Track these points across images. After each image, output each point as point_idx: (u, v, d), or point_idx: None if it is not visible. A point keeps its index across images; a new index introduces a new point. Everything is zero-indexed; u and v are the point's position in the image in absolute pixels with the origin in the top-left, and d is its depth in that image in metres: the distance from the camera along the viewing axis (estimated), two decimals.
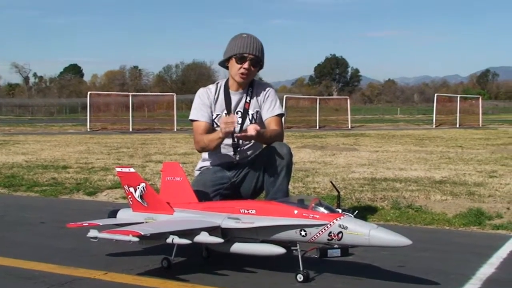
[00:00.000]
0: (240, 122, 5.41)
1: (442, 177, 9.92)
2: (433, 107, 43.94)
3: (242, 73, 5.30)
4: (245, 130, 4.79)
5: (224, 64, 5.46)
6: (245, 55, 5.26)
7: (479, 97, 50.19)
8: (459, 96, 47.06)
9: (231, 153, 5.46)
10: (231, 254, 4.29)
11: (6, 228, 6.22)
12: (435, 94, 47.12)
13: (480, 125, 41.36)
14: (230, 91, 5.45)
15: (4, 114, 78.23)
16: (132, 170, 4.84)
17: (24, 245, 5.42)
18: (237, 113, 5.43)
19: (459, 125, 40.82)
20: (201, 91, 5.54)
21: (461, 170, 11.17)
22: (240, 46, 5.28)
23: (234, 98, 5.44)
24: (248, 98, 5.45)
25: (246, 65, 5.27)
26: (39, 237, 5.81)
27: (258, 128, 4.84)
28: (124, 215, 4.88)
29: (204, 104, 5.43)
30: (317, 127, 38.97)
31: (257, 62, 5.32)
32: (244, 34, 5.39)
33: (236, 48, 5.30)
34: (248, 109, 5.44)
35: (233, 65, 5.34)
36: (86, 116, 36.44)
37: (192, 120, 5.47)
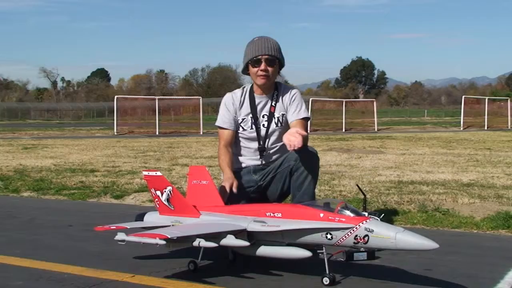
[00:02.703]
0: (266, 125, 5.45)
1: (470, 180, 9.83)
2: (460, 109, 43.54)
3: (260, 75, 5.34)
4: (293, 135, 4.80)
5: (246, 72, 5.50)
6: (259, 57, 5.31)
7: (507, 99, 49.55)
8: (487, 98, 46.56)
9: (257, 156, 5.49)
10: (257, 257, 4.30)
11: (35, 232, 6.31)
12: (463, 96, 46.68)
13: (509, 127, 40.87)
14: (255, 95, 5.49)
15: (32, 118, 79.22)
16: (159, 173, 4.88)
17: (53, 248, 5.49)
18: (263, 117, 5.47)
19: (487, 127, 40.38)
20: (226, 97, 5.59)
21: (489, 173, 11.05)
22: (253, 50, 5.34)
23: (260, 102, 5.47)
24: (274, 102, 5.47)
25: (262, 66, 5.31)
26: (68, 240, 5.88)
27: (303, 132, 4.87)
28: (151, 218, 4.92)
29: (228, 111, 5.49)
30: (343, 130, 38.83)
31: (273, 61, 5.35)
32: (256, 37, 5.44)
33: (250, 54, 5.37)
34: (274, 112, 5.46)
35: (251, 70, 5.39)
36: (113, 120, 36.71)
37: (218, 127, 5.54)
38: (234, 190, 5.00)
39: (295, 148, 4.77)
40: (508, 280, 4.29)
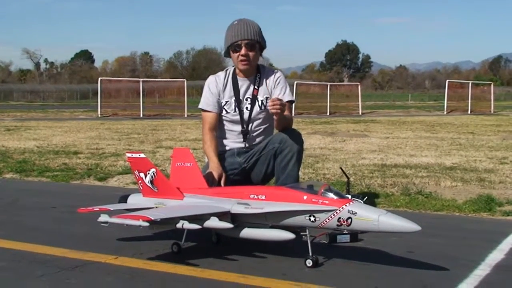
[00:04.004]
0: (249, 108, 5.44)
1: (453, 164, 9.90)
2: (444, 93, 43.68)
3: (241, 60, 5.32)
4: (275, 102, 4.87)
5: (228, 55, 5.48)
6: (239, 42, 5.28)
7: (491, 83, 49.82)
8: (470, 82, 46.80)
9: (241, 139, 5.48)
10: (241, 239, 4.31)
11: (18, 213, 6.27)
12: (447, 80, 46.82)
13: (492, 112, 41.14)
14: (238, 77, 5.47)
15: (15, 100, 78.56)
16: (142, 155, 4.86)
17: (36, 229, 5.47)
18: (246, 100, 5.45)
19: (471, 112, 40.62)
20: (210, 79, 5.57)
21: (471, 156, 11.14)
22: (233, 35, 5.31)
23: (242, 85, 5.45)
24: (257, 85, 5.46)
25: (242, 51, 5.28)
26: (51, 222, 5.86)
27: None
28: (135, 200, 4.91)
29: (212, 93, 5.47)
30: (328, 114, 38.88)
31: (253, 45, 5.31)
32: (236, 21, 5.40)
33: (229, 39, 5.33)
34: (257, 95, 5.45)
35: (232, 55, 5.37)
36: (97, 102, 36.48)
37: (201, 109, 5.52)
38: (223, 184, 4.99)
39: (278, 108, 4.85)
40: (488, 262, 4.33)
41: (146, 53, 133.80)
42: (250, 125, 5.47)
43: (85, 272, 4.08)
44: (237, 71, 5.47)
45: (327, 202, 4.00)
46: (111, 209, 4.67)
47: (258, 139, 5.49)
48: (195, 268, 4.14)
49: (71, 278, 3.94)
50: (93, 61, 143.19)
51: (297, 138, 5.15)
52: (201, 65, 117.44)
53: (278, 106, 4.85)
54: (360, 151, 12.38)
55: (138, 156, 4.87)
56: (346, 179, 5.88)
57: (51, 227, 5.58)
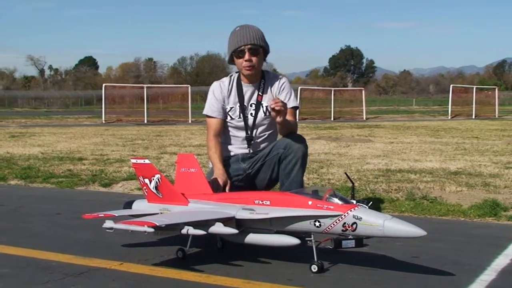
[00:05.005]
0: (254, 114, 5.44)
1: (458, 168, 9.88)
2: (448, 98, 43.69)
3: (246, 66, 5.31)
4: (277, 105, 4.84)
5: (232, 62, 5.48)
6: (242, 48, 5.27)
7: (495, 88, 49.82)
8: (475, 87, 46.81)
9: (245, 145, 5.48)
10: (246, 245, 4.31)
11: (23, 219, 6.28)
12: (451, 85, 46.82)
13: (496, 116, 41.07)
14: (243, 83, 5.47)
15: (20, 106, 78.68)
16: (147, 161, 4.86)
17: (41, 236, 5.47)
18: (251, 106, 5.45)
19: (475, 116, 40.58)
20: (214, 85, 5.57)
21: (476, 161, 11.12)
22: (236, 41, 5.31)
23: (247, 91, 5.46)
24: (261, 91, 5.46)
25: (246, 56, 5.28)
26: (56, 228, 5.86)
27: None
28: (139, 206, 4.90)
29: (216, 99, 5.47)
30: (332, 119, 38.89)
31: (256, 50, 5.31)
32: (238, 27, 5.41)
33: (232, 45, 5.33)
34: (261, 101, 5.45)
35: (236, 61, 5.37)
36: (101, 108, 36.59)
37: (206, 115, 5.52)
38: (227, 191, 4.99)
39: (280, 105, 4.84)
40: (494, 267, 4.32)
41: (150, 59, 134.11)
42: (254, 131, 5.47)
43: (90, 278, 4.08)
44: (242, 77, 5.48)
45: (332, 207, 3.99)
46: (116, 215, 4.66)
47: (262, 145, 5.50)
48: (200, 273, 4.14)
49: (76, 285, 3.94)
50: (97, 67, 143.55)
51: (301, 143, 5.15)
52: (205, 71, 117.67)
53: (280, 104, 4.84)
54: (364, 156, 12.37)
55: (143, 162, 4.87)
56: (351, 184, 5.88)
57: (56, 233, 5.58)
